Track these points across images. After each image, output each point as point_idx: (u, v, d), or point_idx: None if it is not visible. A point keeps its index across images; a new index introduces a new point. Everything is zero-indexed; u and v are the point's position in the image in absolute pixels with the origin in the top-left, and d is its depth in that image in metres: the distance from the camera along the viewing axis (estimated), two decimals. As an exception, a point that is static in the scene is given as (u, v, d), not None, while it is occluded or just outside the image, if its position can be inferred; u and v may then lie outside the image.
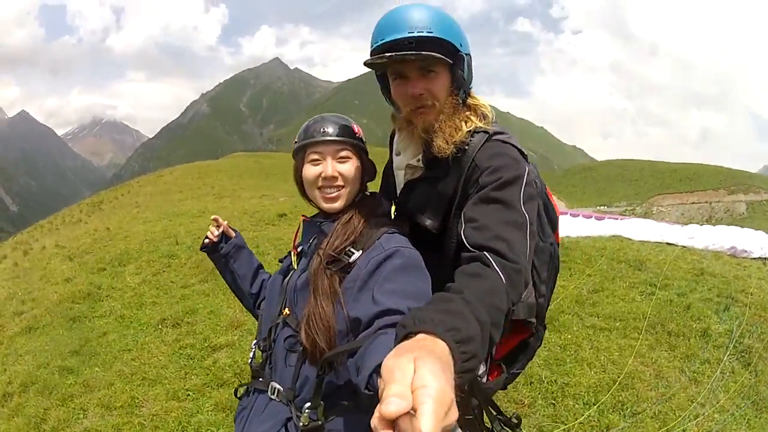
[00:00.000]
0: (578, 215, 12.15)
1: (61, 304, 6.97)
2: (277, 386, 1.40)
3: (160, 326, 5.91)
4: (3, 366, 5.50)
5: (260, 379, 1.49)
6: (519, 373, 1.71)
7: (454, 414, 0.59)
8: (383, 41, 1.37)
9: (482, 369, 1.57)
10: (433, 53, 1.31)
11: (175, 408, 4.17)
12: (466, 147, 1.41)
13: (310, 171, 1.46)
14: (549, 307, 1.69)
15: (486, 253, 1.16)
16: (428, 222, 1.45)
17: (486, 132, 1.43)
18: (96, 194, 36.67)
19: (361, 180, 1.52)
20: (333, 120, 1.49)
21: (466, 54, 1.41)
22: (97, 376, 4.91)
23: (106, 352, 5.44)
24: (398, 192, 1.59)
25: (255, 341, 1.56)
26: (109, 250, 9.42)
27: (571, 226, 10.30)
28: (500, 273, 1.12)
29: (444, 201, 1.44)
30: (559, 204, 1.93)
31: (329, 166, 1.44)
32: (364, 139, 1.54)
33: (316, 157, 1.46)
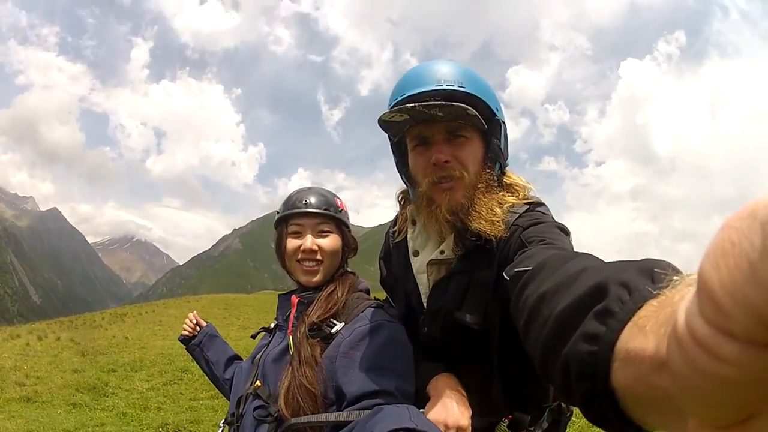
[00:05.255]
0: None
1: (65, 389, 6.66)
2: None
3: (161, 429, 5.49)
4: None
5: None
6: None
7: None
8: (405, 96, 1.14)
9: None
10: (466, 106, 1.07)
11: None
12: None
13: (290, 243, 1.43)
14: None
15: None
16: (468, 318, 1.15)
17: (528, 204, 1.17)
18: (121, 307, 36.15)
19: (341, 255, 1.47)
20: (316, 192, 1.47)
21: (502, 121, 1.20)
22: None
23: (100, 440, 5.02)
24: (424, 299, 1.26)
25: (223, 420, 1.46)
26: (123, 355, 9.18)
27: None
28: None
29: (485, 289, 1.14)
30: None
31: (309, 240, 1.41)
32: (347, 214, 1.51)
33: (296, 229, 1.43)
